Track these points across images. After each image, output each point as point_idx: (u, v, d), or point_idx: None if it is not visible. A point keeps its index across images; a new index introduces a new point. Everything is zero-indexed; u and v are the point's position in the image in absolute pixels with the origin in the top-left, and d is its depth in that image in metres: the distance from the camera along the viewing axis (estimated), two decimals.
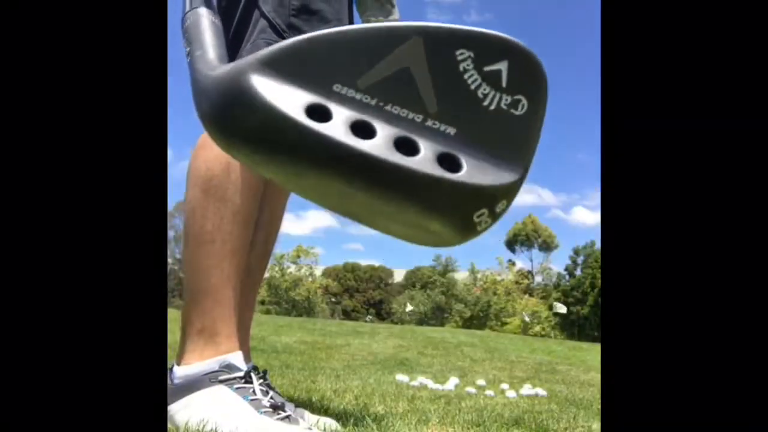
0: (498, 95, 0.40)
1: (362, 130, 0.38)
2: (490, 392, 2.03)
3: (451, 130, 0.39)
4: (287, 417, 0.80)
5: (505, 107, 0.40)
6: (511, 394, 2.00)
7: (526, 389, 2.18)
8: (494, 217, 0.41)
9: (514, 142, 0.41)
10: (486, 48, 0.39)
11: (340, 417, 1.00)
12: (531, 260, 34.90)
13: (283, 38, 0.86)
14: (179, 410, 0.82)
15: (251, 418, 0.78)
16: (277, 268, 32.03)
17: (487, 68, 0.39)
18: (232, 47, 0.92)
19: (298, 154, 0.38)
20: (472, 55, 0.39)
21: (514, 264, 34.22)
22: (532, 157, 0.41)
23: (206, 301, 0.87)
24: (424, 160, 0.38)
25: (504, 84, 0.39)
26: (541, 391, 2.13)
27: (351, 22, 1.02)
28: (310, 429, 0.79)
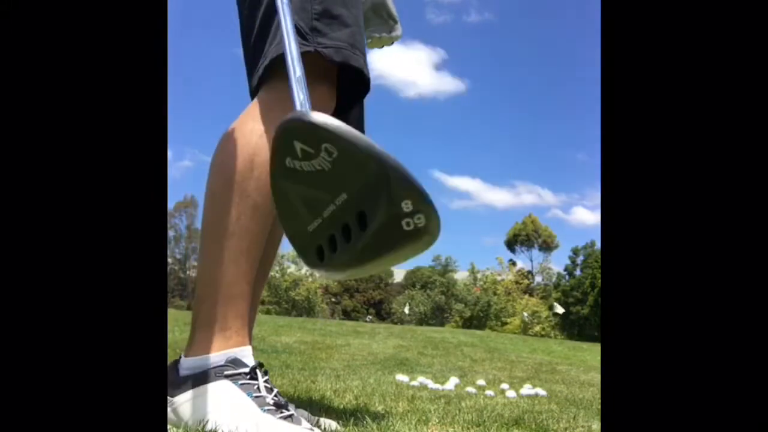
0: (317, 160, 0.53)
1: (332, 242, 0.56)
2: (490, 392, 2.03)
3: (344, 195, 0.53)
4: (290, 416, 0.80)
5: (328, 161, 0.52)
6: (511, 394, 2.00)
7: (526, 389, 2.18)
8: (410, 214, 0.50)
9: (358, 169, 0.52)
10: (287, 140, 0.54)
11: (340, 417, 1.00)
12: (531, 260, 34.91)
13: (307, 41, 0.88)
14: (183, 402, 0.83)
15: (254, 415, 0.79)
16: (277, 268, 31.99)
17: (299, 147, 0.53)
18: (255, 48, 0.93)
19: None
20: (291, 156, 0.54)
21: (514, 264, 34.21)
22: (378, 157, 0.50)
23: (219, 294, 0.87)
24: (356, 235, 0.53)
25: (312, 151, 0.53)
26: (541, 391, 2.13)
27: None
28: (311, 429, 0.79)
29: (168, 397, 0.84)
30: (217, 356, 0.84)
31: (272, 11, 0.90)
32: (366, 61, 0.94)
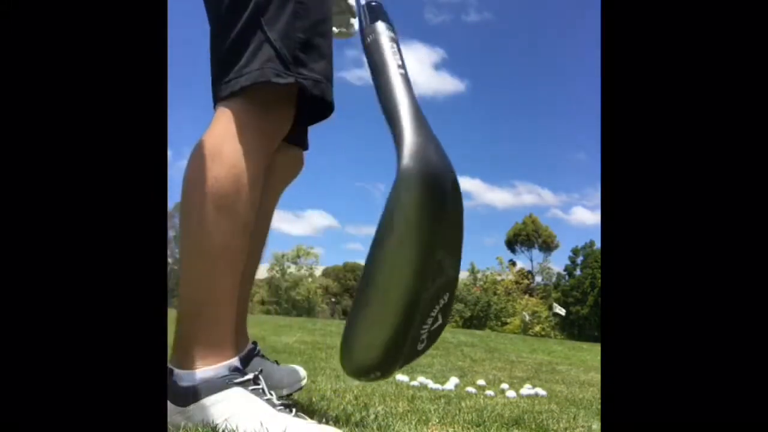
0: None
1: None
2: (490, 392, 2.03)
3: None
4: (297, 414, 0.84)
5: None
6: (511, 394, 2.00)
7: (526, 389, 2.17)
8: None
9: None
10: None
11: (340, 417, 1.00)
12: (531, 260, 34.91)
13: (289, 70, 0.88)
14: (199, 411, 0.84)
15: (273, 417, 0.82)
16: (277, 268, 32.03)
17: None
18: (225, 60, 0.91)
19: None
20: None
21: (514, 264, 34.20)
22: None
23: (211, 312, 0.89)
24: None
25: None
26: (541, 391, 2.12)
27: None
28: (336, 427, 0.82)
29: (180, 408, 0.85)
30: (218, 368, 0.87)
31: (253, 28, 0.89)
32: (332, 90, 0.95)
